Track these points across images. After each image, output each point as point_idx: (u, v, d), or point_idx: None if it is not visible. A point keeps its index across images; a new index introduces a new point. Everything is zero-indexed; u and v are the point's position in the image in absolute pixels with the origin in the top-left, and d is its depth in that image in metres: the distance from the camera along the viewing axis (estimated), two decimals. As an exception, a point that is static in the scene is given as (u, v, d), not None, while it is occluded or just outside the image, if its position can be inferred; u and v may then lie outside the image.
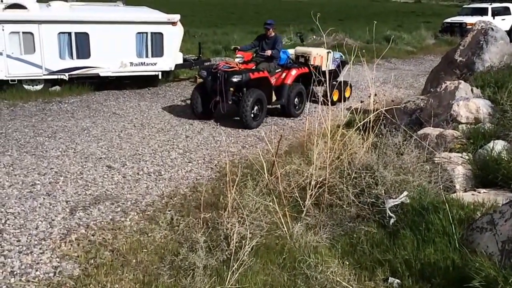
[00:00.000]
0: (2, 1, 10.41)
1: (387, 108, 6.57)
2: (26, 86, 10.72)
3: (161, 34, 11.63)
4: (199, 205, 5.16)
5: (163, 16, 11.91)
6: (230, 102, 8.82)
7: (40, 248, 4.44)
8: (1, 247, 4.44)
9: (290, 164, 5.86)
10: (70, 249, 4.44)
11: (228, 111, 9.01)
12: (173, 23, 11.73)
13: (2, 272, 4.04)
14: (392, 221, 4.56)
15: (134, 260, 4.24)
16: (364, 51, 6.86)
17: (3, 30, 10.06)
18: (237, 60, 9.21)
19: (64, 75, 10.83)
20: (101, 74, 11.17)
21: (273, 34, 9.71)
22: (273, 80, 9.50)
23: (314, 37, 20.98)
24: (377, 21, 7.76)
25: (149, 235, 4.74)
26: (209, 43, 18.23)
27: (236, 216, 4.55)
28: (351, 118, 7.43)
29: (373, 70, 6.61)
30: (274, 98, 9.53)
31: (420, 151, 5.64)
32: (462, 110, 6.75)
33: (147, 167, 6.70)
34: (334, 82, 10.67)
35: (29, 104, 10.02)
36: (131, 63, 11.42)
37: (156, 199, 5.69)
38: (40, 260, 4.25)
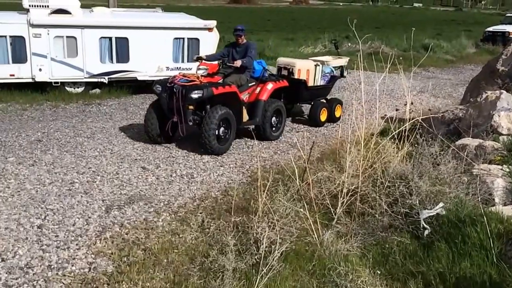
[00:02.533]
0: (48, 6, 10.82)
1: (423, 117, 6.47)
2: (68, 88, 11.09)
3: (197, 39, 11.83)
4: (230, 209, 5.21)
5: (200, 22, 12.11)
6: (190, 123, 7.45)
7: (76, 244, 4.58)
8: (41, 241, 4.61)
9: (322, 171, 5.84)
10: (104, 246, 4.56)
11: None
12: (209, 29, 11.91)
13: (40, 266, 4.19)
14: (426, 232, 4.47)
15: (165, 260, 4.32)
16: (401, 58, 6.77)
17: (48, 34, 10.46)
18: (199, 72, 7.68)
19: (104, 78, 11.15)
20: (139, 78, 11.45)
21: (244, 41, 8.32)
22: (245, 96, 8.11)
23: (349, 44, 20.82)
24: (415, 29, 7.65)
25: (180, 236, 4.82)
26: (244, 49, 18.36)
27: (267, 220, 4.57)
28: (386, 127, 7.34)
29: (409, 78, 6.51)
30: (246, 117, 8.08)
31: (458, 162, 5.52)
32: (503, 121, 6.56)
33: (180, 170, 6.80)
34: (323, 100, 9.73)
35: (70, 105, 10.35)
36: (167, 68, 11.65)
37: (188, 201, 5.77)
38: (76, 255, 4.38)
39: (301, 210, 4.71)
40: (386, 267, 4.17)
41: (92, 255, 4.40)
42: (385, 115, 7.84)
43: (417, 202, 4.84)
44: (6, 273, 4.03)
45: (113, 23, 11.19)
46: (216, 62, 8.19)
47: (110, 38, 11.06)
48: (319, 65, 9.60)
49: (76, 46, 10.75)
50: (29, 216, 5.11)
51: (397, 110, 7.89)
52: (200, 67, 7.78)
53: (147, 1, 50.16)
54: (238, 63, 7.87)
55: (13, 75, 10.44)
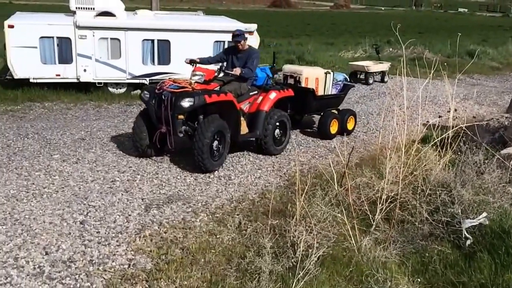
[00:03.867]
0: (93, 9, 11.18)
1: (467, 124, 6.29)
2: (110, 89, 11.41)
3: (238, 43, 11.92)
4: (267, 211, 5.22)
5: (241, 26, 12.20)
6: (181, 135, 6.68)
7: (117, 241, 4.70)
8: (83, 237, 4.75)
9: (361, 177, 5.77)
10: (144, 243, 4.66)
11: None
12: (250, 33, 11.96)
13: (82, 260, 4.32)
14: (468, 242, 4.35)
15: (202, 260, 4.37)
16: (446, 64, 6.61)
17: (93, 36, 10.80)
18: (195, 79, 6.80)
19: (145, 79, 11.40)
20: (179, 80, 11.63)
21: (246, 47, 7.45)
22: (245, 106, 7.41)
23: (391, 49, 20.49)
24: (460, 34, 7.44)
25: (217, 236, 4.86)
26: (283, 53, 18.38)
27: (304, 224, 4.55)
28: (428, 134, 7.18)
29: (453, 85, 6.35)
30: (245, 129, 7.34)
31: (503, 172, 5.34)
32: (551, 130, 6.30)
33: (218, 171, 6.86)
34: (335, 111, 9.03)
35: (112, 106, 10.64)
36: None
37: (225, 203, 5.82)
38: (117, 251, 4.49)
39: (339, 215, 4.67)
40: (426, 276, 4.08)
41: (132, 252, 4.50)
42: (427, 121, 7.69)
43: (459, 211, 4.71)
44: (50, 266, 4.18)
45: (156, 26, 11.43)
46: (212, 67, 7.33)
47: (152, 41, 11.31)
48: (329, 73, 9.02)
49: (119, 47, 11.05)
50: (72, 212, 5.28)
51: (440, 117, 7.70)
52: (196, 72, 6.92)
53: (189, 4, 51.01)
54: (237, 71, 7.06)
55: (59, 75, 10.82)
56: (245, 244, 4.67)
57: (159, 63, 11.43)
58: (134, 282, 4.00)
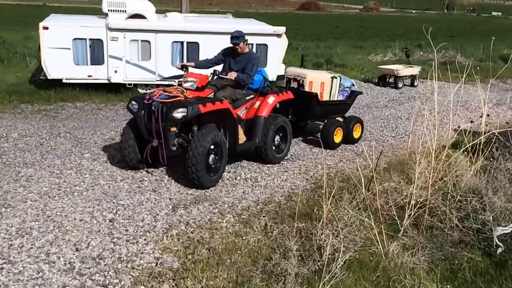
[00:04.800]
0: (125, 11, 11.40)
1: (500, 130, 6.15)
2: (140, 90, 11.60)
3: (265, 45, 11.95)
4: (293, 214, 5.21)
5: (269, 28, 12.24)
6: (173, 148, 6.24)
7: (144, 239, 4.77)
8: (112, 234, 4.84)
9: (389, 182, 5.70)
10: (171, 243, 4.72)
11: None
12: (278, 35, 12.00)
13: (111, 258, 4.40)
14: (499, 250, 4.25)
15: (228, 260, 4.39)
16: (478, 68, 6.47)
17: (124, 38, 11.00)
18: (186, 85, 6.33)
19: (174, 81, 11.53)
20: (208, 82, 11.74)
21: (246, 50, 6.94)
22: (242, 112, 6.86)
23: (421, 53, 20.18)
24: (494, 38, 7.27)
25: (243, 238, 4.88)
26: (311, 56, 18.34)
27: (331, 228, 4.52)
28: (459, 139, 7.04)
29: (486, 90, 6.21)
30: (243, 138, 6.81)
31: (537, 179, 5.19)
32: None
33: (244, 173, 6.89)
34: (339, 118, 8.56)
35: (141, 106, 10.79)
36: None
37: (251, 204, 5.84)
38: (144, 250, 4.56)
39: (366, 219, 4.62)
40: (455, 283, 4.01)
41: (159, 251, 4.56)
42: (458, 127, 7.54)
43: (491, 218, 4.61)
44: (80, 262, 4.28)
45: (185, 28, 11.56)
46: (206, 73, 6.75)
47: (182, 43, 11.44)
48: (336, 78, 8.44)
49: (149, 49, 11.22)
50: (101, 210, 5.39)
51: (471, 122, 7.54)
52: (188, 78, 6.41)
53: (218, 7, 51.44)
54: (232, 75, 6.54)
55: (91, 76, 11.06)
56: (271, 246, 4.67)
57: (188, 65, 11.55)
58: (161, 280, 4.05)
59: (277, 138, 7.21)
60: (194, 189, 6.17)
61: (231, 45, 6.83)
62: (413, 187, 4.96)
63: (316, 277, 3.97)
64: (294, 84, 8.32)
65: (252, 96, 7.00)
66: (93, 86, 11.24)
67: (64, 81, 10.96)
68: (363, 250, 4.41)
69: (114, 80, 11.17)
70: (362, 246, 4.45)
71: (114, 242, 4.69)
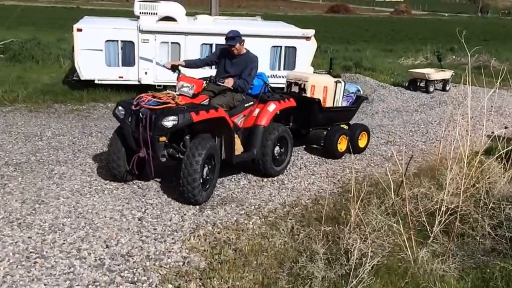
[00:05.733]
0: (156, 14, 11.57)
1: (536, 136, 5.96)
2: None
3: (294, 48, 11.95)
4: (320, 218, 5.18)
5: (298, 31, 12.22)
6: (163, 159, 5.72)
7: (172, 238, 4.83)
8: (141, 232, 4.92)
9: (419, 187, 5.61)
10: (198, 243, 4.76)
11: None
12: (307, 38, 11.97)
13: (140, 255, 4.47)
14: (534, 260, 4.11)
15: (254, 262, 4.40)
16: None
17: (155, 40, 11.18)
18: (183, 91, 5.85)
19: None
20: (236, 84, 11.80)
21: (244, 51, 6.39)
22: (239, 120, 6.32)
23: (454, 57, 19.78)
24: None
25: (269, 240, 4.88)
26: (340, 59, 18.21)
27: (358, 232, 4.48)
28: (492, 145, 6.86)
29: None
30: (240, 149, 6.26)
31: None
32: None
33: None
34: (344, 125, 8.08)
35: (171, 107, 10.92)
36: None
37: (278, 207, 5.83)
38: (172, 249, 4.61)
39: (395, 225, 4.56)
40: (487, 293, 3.90)
41: (186, 250, 4.60)
42: (492, 133, 7.35)
43: (525, 227, 4.48)
44: (110, 259, 4.36)
45: (214, 31, 11.65)
46: (200, 71, 6.42)
47: (211, 45, 11.53)
48: (340, 82, 7.91)
49: (179, 51, 11.36)
50: (131, 209, 5.47)
51: (505, 128, 7.34)
52: (183, 83, 5.89)
53: (247, 10, 51.68)
54: (229, 82, 5.99)
55: (122, 77, 11.28)
56: (297, 249, 4.66)
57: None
58: (188, 279, 4.09)
59: (277, 149, 6.65)
60: (220, 190, 6.21)
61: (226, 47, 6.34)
62: (444, 193, 4.87)
63: (343, 281, 3.93)
64: (295, 89, 7.72)
65: (252, 103, 6.45)
66: (124, 87, 11.44)
67: (96, 82, 11.19)
68: (391, 255, 4.35)
69: (145, 81, 11.35)
70: (391, 252, 4.39)
71: (143, 240, 4.76)
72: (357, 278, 3.83)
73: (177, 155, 5.73)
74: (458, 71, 14.01)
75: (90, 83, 11.25)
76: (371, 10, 72.61)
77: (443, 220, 4.69)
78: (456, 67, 16.16)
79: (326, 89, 7.64)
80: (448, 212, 4.72)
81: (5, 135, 7.92)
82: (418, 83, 13.79)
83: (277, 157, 6.70)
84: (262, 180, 6.68)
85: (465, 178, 4.97)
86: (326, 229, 4.94)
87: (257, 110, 6.47)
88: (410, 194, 5.25)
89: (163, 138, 5.54)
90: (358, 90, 8.41)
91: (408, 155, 6.77)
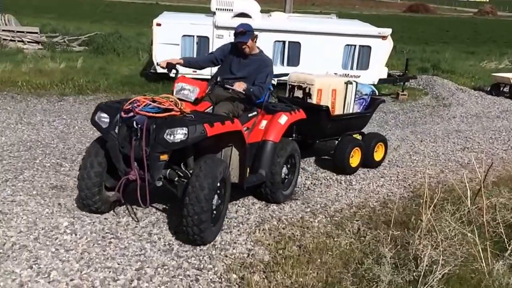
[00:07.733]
0: (232, 10, 11.78)
1: None
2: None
3: (369, 47, 11.70)
4: (388, 221, 5.04)
5: (374, 30, 11.94)
6: (159, 184, 4.41)
7: (238, 230, 4.90)
8: (208, 222, 5.03)
9: (498, 197, 5.29)
10: (262, 236, 4.79)
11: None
12: (383, 37, 11.67)
13: (206, 244, 4.58)
14: None
15: (319, 260, 4.36)
16: None
17: (229, 36, 11.32)
18: (184, 94, 4.91)
19: (274, 80, 11.69)
20: (307, 82, 11.74)
21: (256, 50, 5.24)
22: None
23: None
24: None
25: (335, 239, 4.82)
26: (416, 60, 17.58)
27: (429, 239, 4.30)
28: None
29: None
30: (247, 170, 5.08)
31: None
32: None
33: (339, 176, 6.76)
34: (357, 136, 7.01)
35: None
36: (335, 74, 11.73)
37: (344, 207, 5.74)
38: (237, 240, 4.68)
39: (470, 234, 4.33)
40: None
41: (251, 243, 4.65)
42: None
43: None
44: (178, 245, 4.50)
45: (288, 28, 11.68)
46: (200, 73, 5.11)
47: (284, 42, 11.57)
48: (351, 83, 6.78)
49: (253, 48, 11.47)
50: (200, 198, 5.60)
51: None
52: (184, 86, 4.93)
53: (321, 8, 51.23)
54: (241, 86, 4.85)
55: (195, 71, 11.51)
56: (363, 251, 4.56)
57: (288, 64, 11.65)
58: (252, 271, 4.13)
59: (284, 169, 5.49)
60: (288, 187, 6.20)
61: (236, 42, 5.13)
62: (526, 204, 4.56)
63: (411, 287, 3.80)
64: (298, 93, 6.64)
65: (255, 113, 5.32)
66: (197, 81, 11.74)
67: (171, 75, 11.56)
68: (464, 265, 4.14)
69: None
70: (463, 262, 4.17)
71: (210, 230, 4.85)
72: (426, 286, 3.69)
73: (175, 179, 4.51)
74: (547, 77, 13.03)
75: (165, 76, 11.65)
76: (452, 10, 69.34)
77: (523, 233, 4.40)
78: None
79: (335, 93, 6.66)
80: (530, 225, 4.42)
81: (87, 122, 8.41)
82: (502, 88, 13.03)
83: (284, 179, 5.54)
84: (329, 180, 6.60)
85: (551, 190, 4.62)
86: (395, 233, 4.80)
87: (263, 122, 5.34)
88: (488, 203, 4.98)
89: (164, 156, 4.25)
90: (373, 91, 7.29)
91: (488, 163, 6.41)
